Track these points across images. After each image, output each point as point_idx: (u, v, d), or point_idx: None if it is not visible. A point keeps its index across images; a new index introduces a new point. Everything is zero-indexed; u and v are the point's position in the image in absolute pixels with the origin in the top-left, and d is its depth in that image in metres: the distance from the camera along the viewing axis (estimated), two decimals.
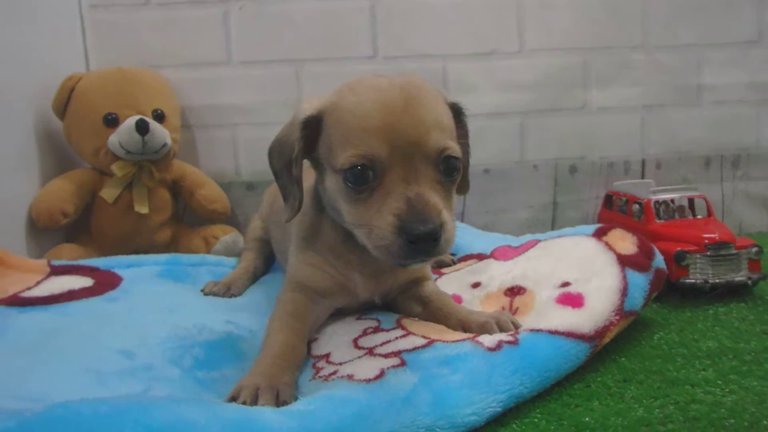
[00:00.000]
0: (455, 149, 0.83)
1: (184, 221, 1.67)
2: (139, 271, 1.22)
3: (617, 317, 0.97)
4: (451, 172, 0.83)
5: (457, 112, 0.92)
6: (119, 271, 1.20)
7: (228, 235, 1.58)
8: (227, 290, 1.22)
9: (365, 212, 0.81)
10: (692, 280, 1.21)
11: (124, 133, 1.43)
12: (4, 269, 1.10)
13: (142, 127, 1.42)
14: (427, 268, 1.08)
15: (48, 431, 0.54)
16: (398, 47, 1.72)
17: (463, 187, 0.98)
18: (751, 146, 1.79)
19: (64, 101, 1.48)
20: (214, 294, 1.21)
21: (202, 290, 1.23)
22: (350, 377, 0.77)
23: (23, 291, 1.05)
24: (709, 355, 0.99)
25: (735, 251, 1.23)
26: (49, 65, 1.54)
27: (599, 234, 1.17)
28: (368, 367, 0.80)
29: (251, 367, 0.83)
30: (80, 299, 1.05)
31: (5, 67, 1.37)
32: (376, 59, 1.72)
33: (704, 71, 1.77)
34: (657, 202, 1.37)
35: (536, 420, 0.81)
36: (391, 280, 1.02)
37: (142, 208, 1.48)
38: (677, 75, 1.75)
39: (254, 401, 0.72)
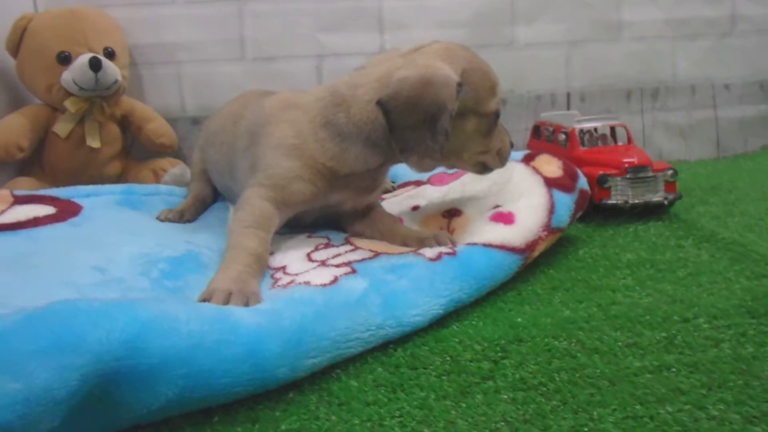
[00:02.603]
0: None
1: (132, 155, 1.70)
2: (97, 200, 1.24)
3: (545, 232, 1.04)
4: None
5: None
6: (79, 200, 1.22)
7: (176, 167, 1.62)
8: (181, 216, 1.27)
9: (491, 142, 1.05)
10: (614, 201, 1.30)
11: (77, 71, 1.48)
12: None
13: (95, 65, 1.47)
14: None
15: (51, 321, 0.58)
16: None
17: None
18: (668, 79, 1.89)
19: (17, 40, 1.51)
20: (170, 220, 1.25)
21: (157, 217, 1.26)
22: (307, 283, 0.83)
23: None
24: (629, 266, 1.08)
25: (652, 174, 1.31)
26: None
27: (527, 159, 1.23)
28: (323, 275, 0.86)
29: (220, 270, 0.87)
30: (45, 225, 1.08)
31: None
32: None
33: (623, 8, 1.84)
34: (581, 130, 1.44)
35: (474, 322, 0.88)
36: (366, 198, 1.11)
37: (94, 142, 1.52)
38: (598, 11, 1.82)
39: (226, 304, 0.77)
